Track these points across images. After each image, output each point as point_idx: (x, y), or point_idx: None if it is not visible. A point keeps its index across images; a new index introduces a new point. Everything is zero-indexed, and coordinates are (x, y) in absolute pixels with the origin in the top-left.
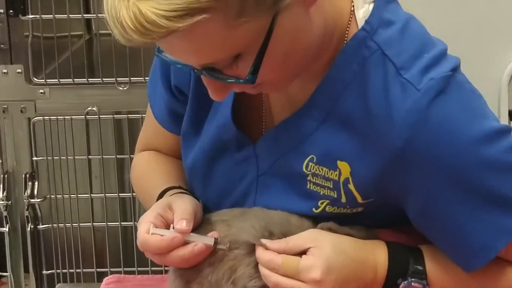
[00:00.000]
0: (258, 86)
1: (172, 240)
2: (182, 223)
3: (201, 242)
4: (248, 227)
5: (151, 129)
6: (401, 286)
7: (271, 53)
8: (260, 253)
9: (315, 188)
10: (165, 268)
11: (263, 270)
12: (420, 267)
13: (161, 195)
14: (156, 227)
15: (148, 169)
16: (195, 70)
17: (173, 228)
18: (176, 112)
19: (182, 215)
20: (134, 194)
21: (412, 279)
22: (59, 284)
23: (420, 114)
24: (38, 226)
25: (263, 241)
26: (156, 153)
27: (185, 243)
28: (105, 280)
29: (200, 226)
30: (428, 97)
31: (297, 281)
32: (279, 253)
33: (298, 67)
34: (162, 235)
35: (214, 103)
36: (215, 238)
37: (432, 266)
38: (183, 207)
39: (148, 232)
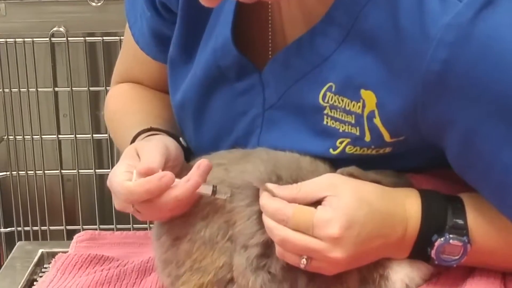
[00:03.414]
0: None
1: (161, 180)
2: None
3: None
4: (251, 169)
5: (130, 55)
6: (436, 244)
7: None
8: (265, 200)
9: (333, 124)
10: (150, 224)
11: (268, 222)
12: (460, 221)
13: (133, 141)
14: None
15: (125, 105)
16: None
17: None
18: (161, 33)
19: (147, 163)
20: None
21: (450, 236)
22: (20, 242)
23: (462, 30)
24: None
25: (269, 185)
26: (136, 86)
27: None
28: (76, 237)
29: (183, 173)
30: (473, 9)
31: (310, 237)
32: (289, 201)
33: None
34: None
35: (209, 22)
36: (213, 185)
37: (474, 220)
38: (148, 156)
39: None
